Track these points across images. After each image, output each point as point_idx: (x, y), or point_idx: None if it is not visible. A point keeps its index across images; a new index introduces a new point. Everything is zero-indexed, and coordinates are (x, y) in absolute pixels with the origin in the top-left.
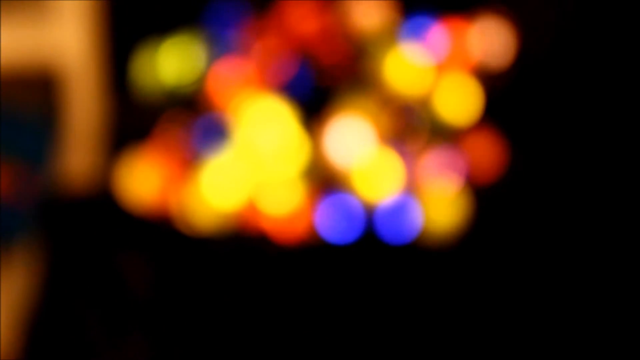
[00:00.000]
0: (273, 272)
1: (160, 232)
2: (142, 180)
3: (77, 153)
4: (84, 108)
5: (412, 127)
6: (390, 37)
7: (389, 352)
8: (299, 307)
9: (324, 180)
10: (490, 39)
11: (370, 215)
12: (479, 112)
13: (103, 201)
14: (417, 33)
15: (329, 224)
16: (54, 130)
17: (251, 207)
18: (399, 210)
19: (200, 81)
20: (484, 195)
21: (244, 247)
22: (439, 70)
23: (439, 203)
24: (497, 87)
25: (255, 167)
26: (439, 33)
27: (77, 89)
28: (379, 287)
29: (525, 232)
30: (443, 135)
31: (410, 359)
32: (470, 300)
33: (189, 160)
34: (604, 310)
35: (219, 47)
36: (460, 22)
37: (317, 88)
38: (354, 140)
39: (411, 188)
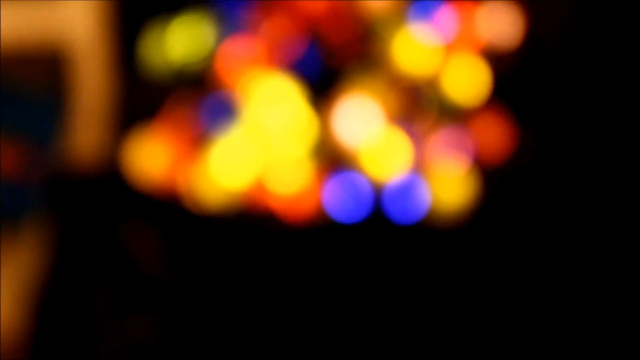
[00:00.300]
0: (281, 251)
1: (168, 209)
2: (151, 158)
3: (85, 131)
4: (92, 86)
5: (420, 107)
6: (398, 17)
7: (396, 332)
8: (307, 285)
9: (332, 160)
10: (498, 20)
11: (378, 194)
12: (487, 93)
13: (111, 179)
14: (425, 13)
15: (337, 203)
16: (61, 108)
17: (259, 186)
18: (406, 189)
19: (209, 59)
20: (491, 176)
21: (251, 225)
22: (447, 50)
23: (447, 183)
24: (505, 68)
25: (263, 146)
26: (447, 14)
27: (85, 67)
28: (387, 266)
29: (532, 213)
30: (451, 115)
31: (418, 338)
32: (477, 279)
33: (197, 138)
34: (611, 288)
35: (227, 26)
36: (468, 3)
37: (326, 67)
38: (362, 119)
39: (419, 168)
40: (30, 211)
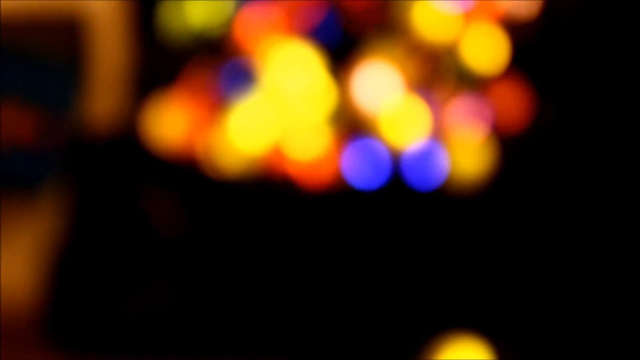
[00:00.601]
0: (298, 217)
1: (187, 174)
2: (169, 124)
3: (103, 98)
4: (110, 52)
5: (438, 74)
6: None
7: (413, 296)
8: (324, 251)
9: (351, 126)
10: None
11: (396, 161)
12: (505, 61)
13: (129, 144)
14: None
15: (355, 169)
16: (79, 75)
17: (277, 152)
18: (425, 156)
19: (228, 25)
20: (509, 145)
21: (269, 191)
22: (466, 18)
23: (465, 150)
24: (524, 36)
25: (282, 112)
26: None
27: (103, 33)
28: (404, 232)
29: (550, 181)
30: (469, 83)
31: (435, 304)
32: (493, 247)
33: (216, 104)
34: (624, 254)
35: None
36: None
37: (345, 34)
38: (381, 86)
39: (437, 135)
40: (48, 178)
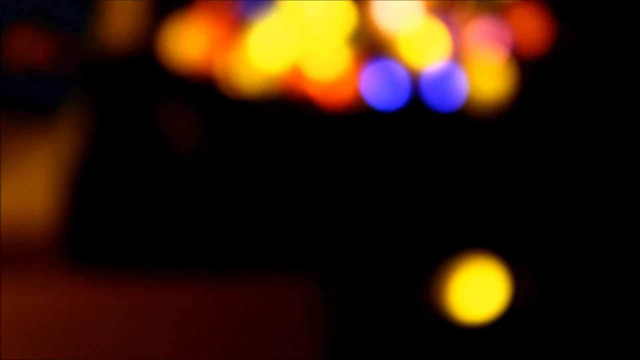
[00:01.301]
0: (316, 137)
1: (206, 93)
2: (188, 43)
3: (121, 16)
4: None
5: None
6: None
7: (430, 216)
8: (343, 172)
9: (370, 47)
10: None
11: (415, 83)
12: None
13: (148, 63)
14: None
15: (375, 90)
16: None
17: (296, 71)
18: (444, 78)
19: None
20: (529, 68)
21: (288, 110)
22: None
23: (484, 73)
24: None
25: (301, 32)
26: None
27: None
28: (423, 153)
29: (569, 105)
30: (489, 6)
31: (451, 223)
32: (512, 167)
33: (236, 22)
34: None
35: None
36: None
37: None
38: (400, 7)
39: (457, 57)
40: (66, 100)
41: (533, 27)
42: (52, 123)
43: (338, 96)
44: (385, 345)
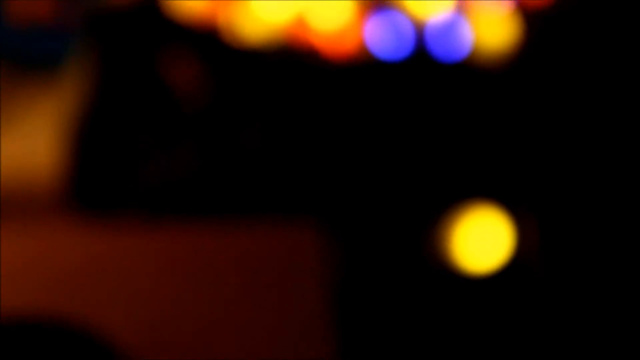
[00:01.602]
0: (321, 87)
1: (209, 44)
2: None
3: None
4: None
5: None
6: None
7: (434, 166)
8: (347, 123)
9: None
10: None
11: (420, 33)
12: None
13: (151, 14)
14: None
15: (380, 40)
16: None
17: (300, 22)
18: (449, 28)
19: None
20: (534, 19)
21: (292, 61)
22: None
23: (489, 23)
24: None
25: None
26: None
27: None
28: (428, 103)
29: (574, 57)
30: None
31: (455, 173)
32: (516, 118)
33: None
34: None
35: None
36: None
37: None
38: None
39: (461, 7)
40: (70, 54)
41: None
42: (55, 76)
43: (342, 47)
44: (390, 293)
